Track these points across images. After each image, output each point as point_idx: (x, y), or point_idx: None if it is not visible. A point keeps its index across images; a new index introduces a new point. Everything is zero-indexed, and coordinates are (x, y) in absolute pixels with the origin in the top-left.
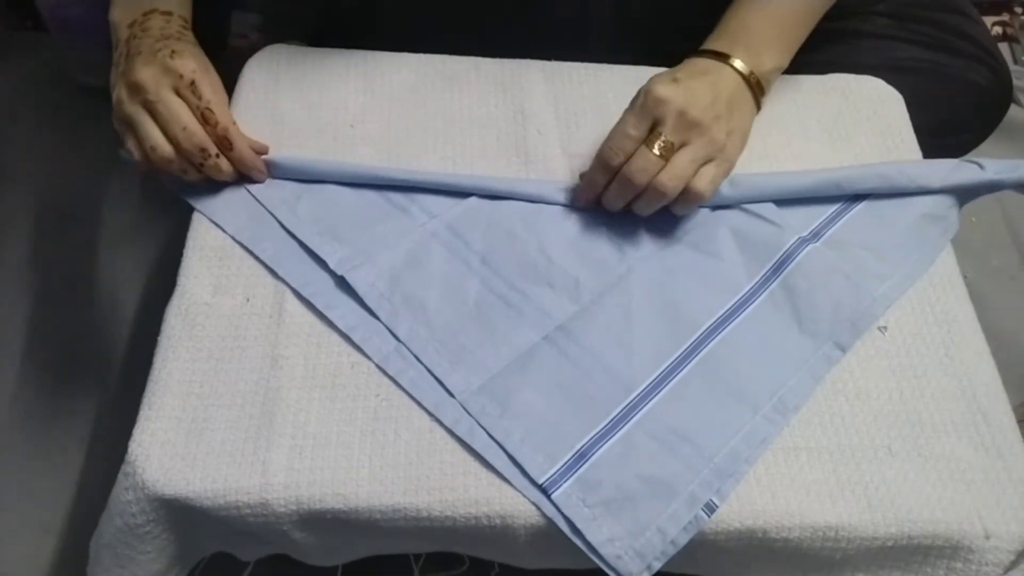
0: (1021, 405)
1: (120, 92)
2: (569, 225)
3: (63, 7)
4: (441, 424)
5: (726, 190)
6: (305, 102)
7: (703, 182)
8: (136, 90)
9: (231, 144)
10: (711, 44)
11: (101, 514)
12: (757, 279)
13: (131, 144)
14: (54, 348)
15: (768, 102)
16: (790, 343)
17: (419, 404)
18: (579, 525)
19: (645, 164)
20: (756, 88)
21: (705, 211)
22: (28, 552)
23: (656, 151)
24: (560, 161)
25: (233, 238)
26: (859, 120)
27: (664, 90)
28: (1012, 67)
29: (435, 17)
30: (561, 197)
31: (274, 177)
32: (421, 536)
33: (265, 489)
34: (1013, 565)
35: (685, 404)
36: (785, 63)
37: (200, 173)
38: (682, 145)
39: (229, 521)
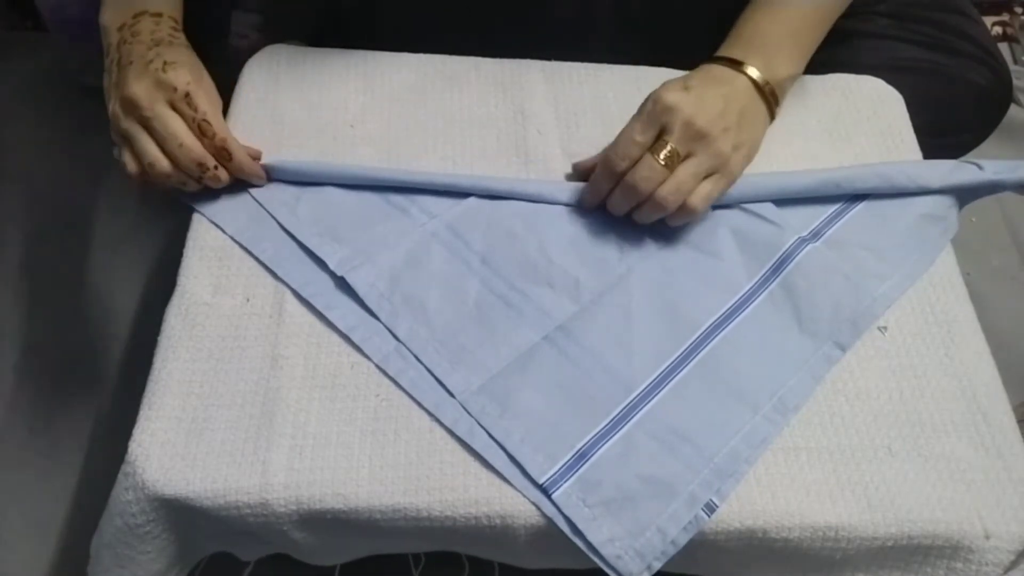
0: (1021, 405)
1: (115, 107)
2: (569, 225)
3: (63, 7)
4: (441, 424)
5: None
6: (305, 102)
7: (697, 198)
8: (131, 106)
9: (230, 155)
10: (725, 51)
11: (101, 514)
12: (757, 279)
13: (128, 158)
14: (54, 348)
15: None
16: (790, 343)
17: (419, 404)
18: (579, 525)
19: (649, 173)
20: (770, 97)
21: (705, 211)
22: (28, 552)
23: (661, 160)
24: (560, 161)
25: (233, 239)
26: (859, 120)
27: (673, 97)
28: (1012, 67)
29: (435, 17)
30: (562, 197)
31: (273, 180)
32: (421, 536)
33: (265, 489)
34: (1013, 565)
35: (685, 404)
36: (799, 70)
37: (199, 184)
38: (687, 155)
39: (229, 521)
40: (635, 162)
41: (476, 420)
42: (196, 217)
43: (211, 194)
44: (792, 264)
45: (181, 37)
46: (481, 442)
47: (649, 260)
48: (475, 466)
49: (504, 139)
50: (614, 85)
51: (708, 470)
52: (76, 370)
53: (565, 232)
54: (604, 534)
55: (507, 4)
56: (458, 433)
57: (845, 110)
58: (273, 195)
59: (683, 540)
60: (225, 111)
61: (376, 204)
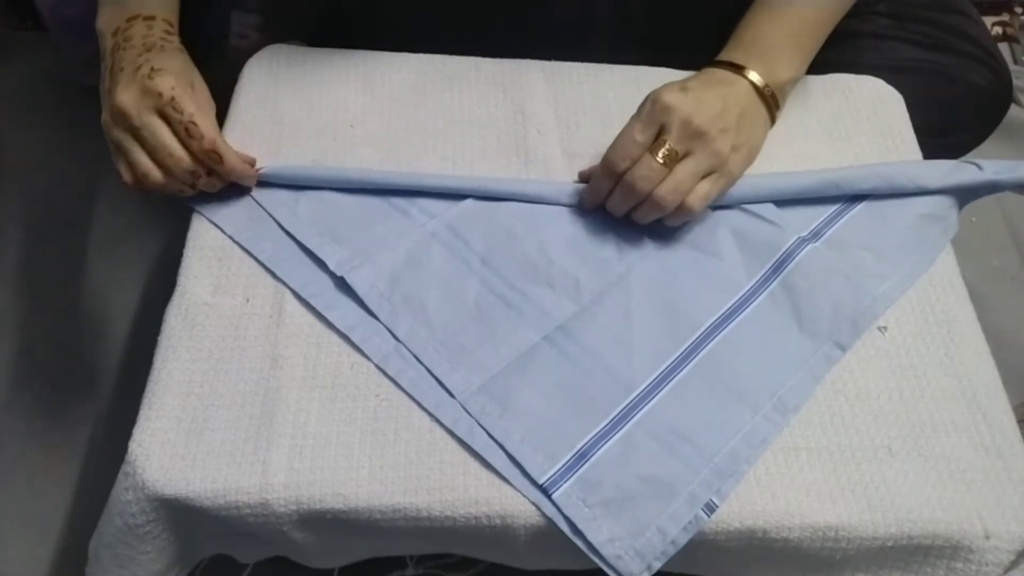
0: (1021, 405)
1: (106, 116)
2: (569, 225)
3: (63, 7)
4: (441, 424)
5: None
6: (305, 102)
7: (695, 198)
8: (120, 116)
9: (220, 157)
10: (726, 55)
11: (101, 514)
12: (757, 279)
13: (123, 168)
14: (54, 348)
15: None
16: (790, 343)
17: (419, 404)
18: (579, 525)
19: (648, 172)
20: (771, 101)
21: (705, 211)
22: (28, 552)
23: (659, 159)
24: (560, 161)
25: (232, 239)
26: (859, 120)
27: (671, 97)
28: (1012, 67)
29: (435, 17)
30: (562, 199)
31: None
32: (421, 536)
33: (265, 489)
34: (1013, 565)
35: (685, 404)
36: (801, 74)
37: (194, 190)
38: (686, 154)
39: (229, 521)
40: (634, 161)
41: (476, 420)
42: (196, 217)
43: (211, 194)
44: (792, 264)
45: (174, 40)
46: (481, 442)
47: (649, 260)
48: (475, 466)
49: (504, 139)
50: (614, 85)
51: (708, 470)
52: (76, 370)
53: (565, 232)
54: (604, 534)
55: (507, 4)
56: (458, 433)
57: (845, 110)
58: (273, 195)
59: (683, 540)
60: (225, 111)
61: (376, 204)
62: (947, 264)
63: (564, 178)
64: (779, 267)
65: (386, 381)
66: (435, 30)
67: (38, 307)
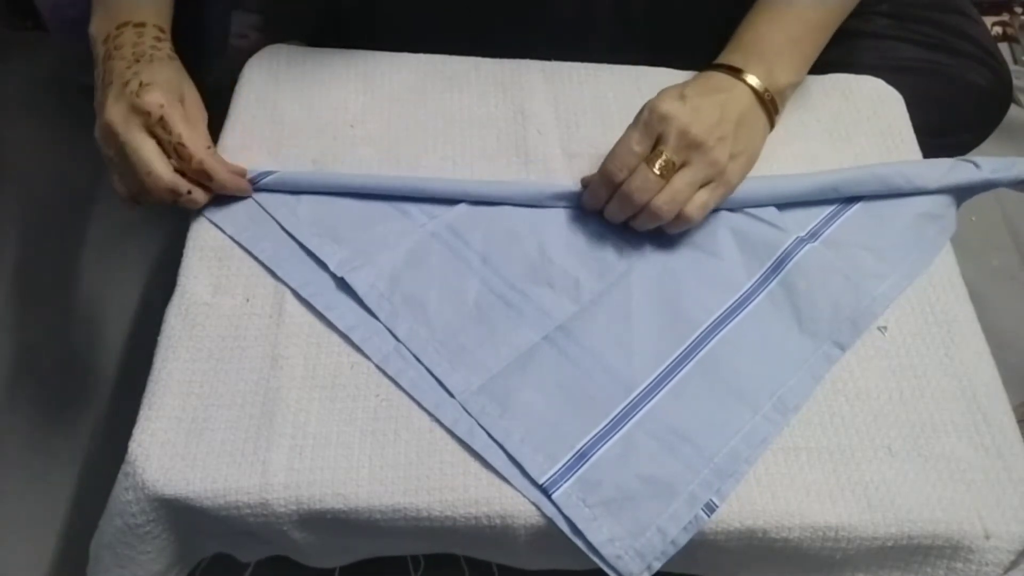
0: (1021, 405)
1: (97, 129)
2: (569, 225)
3: (63, 7)
4: (441, 424)
5: None
6: (305, 102)
7: (693, 207)
8: (109, 133)
9: (208, 175)
10: (725, 58)
11: (101, 514)
12: (756, 278)
13: (115, 182)
14: (54, 348)
15: None
16: (790, 342)
17: (419, 404)
18: (579, 525)
19: (644, 183)
20: (770, 105)
21: None
22: (28, 552)
23: (656, 170)
24: (560, 161)
25: (232, 239)
26: (859, 120)
27: (668, 106)
28: (1012, 67)
29: (435, 17)
30: (560, 203)
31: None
32: (421, 536)
33: (265, 489)
34: (1013, 565)
35: (685, 404)
36: (801, 78)
37: (177, 204)
38: (683, 165)
39: (229, 521)
40: (633, 170)
41: (476, 420)
42: (196, 217)
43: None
44: (791, 263)
45: (164, 48)
46: (481, 442)
47: (649, 260)
48: (475, 466)
49: (504, 139)
50: (614, 85)
51: (708, 470)
52: (76, 370)
53: (565, 232)
54: (604, 534)
55: (507, 4)
56: (458, 433)
57: (845, 110)
58: (273, 196)
59: (683, 540)
60: (225, 111)
61: (376, 205)
62: (947, 264)
63: (564, 178)
64: (778, 267)
65: (386, 381)
66: (435, 30)
67: (38, 307)
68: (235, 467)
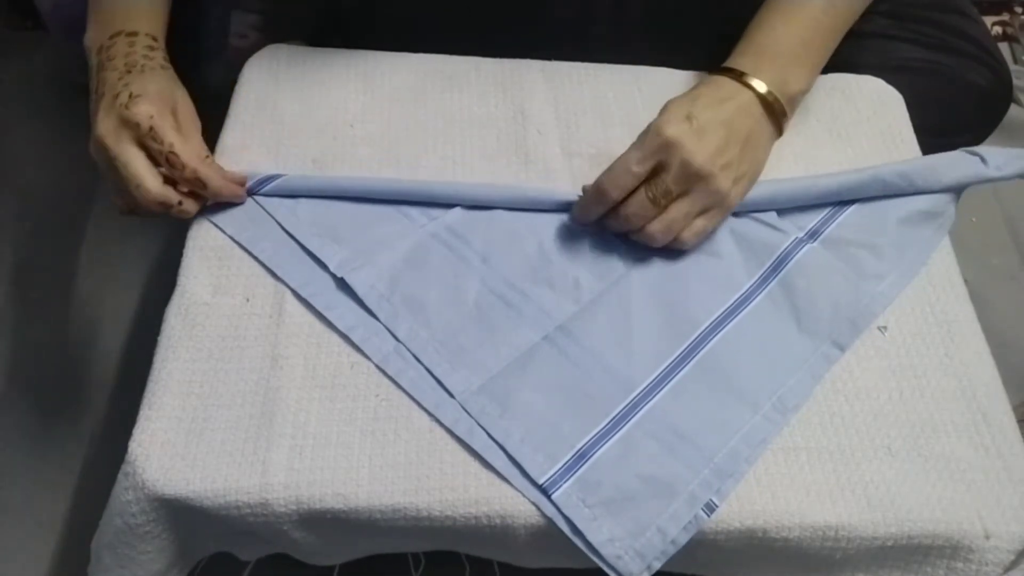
0: (1021, 405)
1: (91, 141)
2: (569, 225)
3: (63, 7)
4: (441, 424)
5: None
6: (305, 102)
7: (690, 233)
8: (100, 147)
9: (203, 184)
10: (737, 61)
11: (101, 514)
12: (756, 278)
13: (109, 189)
14: (54, 348)
15: None
16: (789, 342)
17: (419, 404)
18: (579, 525)
19: (640, 209)
20: (779, 115)
21: None
22: (28, 552)
23: (653, 197)
24: (560, 161)
25: (233, 239)
26: (859, 120)
27: (673, 131)
28: (1012, 67)
29: (435, 17)
30: (558, 208)
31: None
32: (421, 536)
33: (265, 489)
34: (1013, 565)
35: (685, 404)
36: (811, 85)
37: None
38: (682, 194)
39: (229, 521)
40: (628, 191)
41: (476, 420)
42: (196, 217)
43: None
44: (791, 263)
45: (157, 57)
46: (481, 442)
47: (648, 260)
48: (475, 466)
49: (504, 139)
50: (614, 85)
51: (708, 470)
52: (76, 370)
53: (565, 232)
54: (604, 534)
55: (507, 4)
56: (458, 433)
57: (845, 110)
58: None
59: (683, 540)
60: (225, 111)
61: (376, 205)
62: (947, 264)
63: (564, 177)
64: (778, 267)
65: (386, 381)
66: (435, 30)
67: (38, 307)
68: (235, 467)
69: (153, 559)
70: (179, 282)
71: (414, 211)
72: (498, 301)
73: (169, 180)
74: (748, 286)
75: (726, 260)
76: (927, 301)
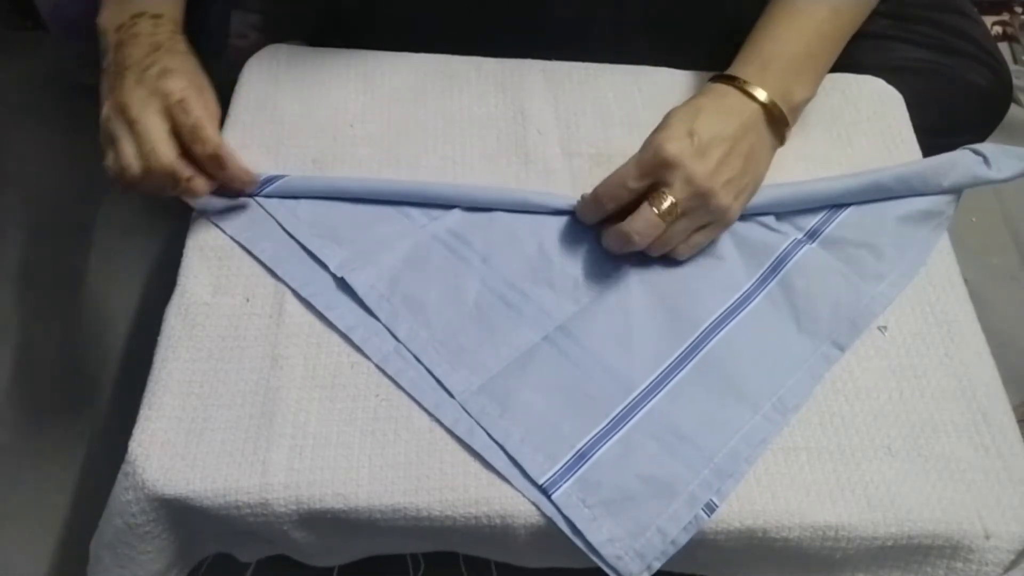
0: (1021, 405)
1: (108, 109)
2: (569, 225)
3: (63, 7)
4: (441, 424)
5: None
6: (305, 102)
7: (685, 247)
8: (121, 110)
9: (222, 163)
10: (742, 69)
11: (101, 514)
12: (756, 278)
13: (109, 158)
14: (54, 348)
15: None
16: (789, 342)
17: (419, 404)
18: (579, 525)
19: (646, 227)
20: (782, 124)
21: None
22: (28, 552)
23: (658, 211)
24: (560, 161)
25: (233, 238)
26: (859, 120)
27: (675, 149)
28: (1012, 67)
29: (435, 17)
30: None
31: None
32: (421, 536)
33: (265, 489)
34: (1013, 565)
35: (685, 404)
36: (814, 94)
37: (174, 192)
38: (684, 212)
39: (229, 521)
40: (622, 203)
41: (476, 420)
42: (196, 217)
43: (211, 194)
44: (790, 263)
45: (181, 41)
46: (481, 442)
47: (648, 261)
48: (475, 466)
49: (504, 139)
50: (614, 85)
51: (708, 470)
52: (76, 370)
53: (565, 232)
54: (604, 534)
55: (507, 4)
56: (458, 433)
57: (845, 110)
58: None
59: (683, 540)
60: (225, 111)
61: (376, 206)
62: (947, 264)
63: (564, 178)
64: (777, 266)
65: (386, 381)
66: (435, 30)
67: (38, 307)
68: (235, 467)
69: (153, 559)
70: (179, 282)
71: (415, 211)
72: (498, 301)
73: (182, 158)
74: (748, 287)
75: (726, 261)
76: (927, 301)
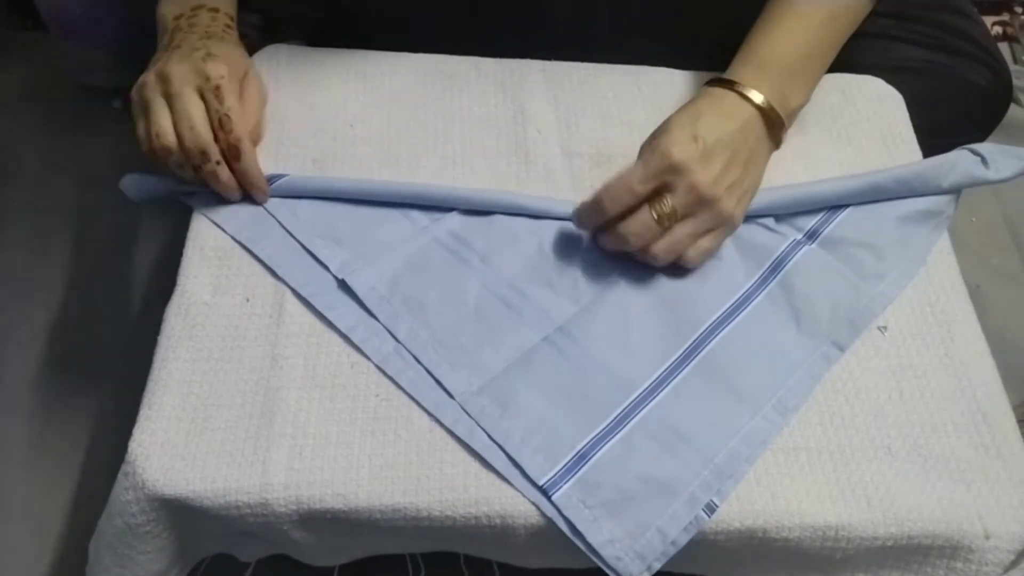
0: (1021, 405)
1: (147, 76)
2: (569, 226)
3: (63, 7)
4: (441, 424)
5: None
6: (305, 102)
7: (696, 252)
8: (162, 79)
9: (240, 154)
10: (738, 73)
11: (101, 514)
12: (755, 279)
13: (140, 127)
14: (54, 348)
15: None
16: (789, 343)
17: (419, 404)
18: (579, 526)
19: (643, 229)
20: (778, 127)
21: None
22: (28, 552)
23: (657, 216)
24: (560, 161)
25: (233, 238)
26: (859, 120)
27: (681, 153)
28: (1012, 67)
29: (435, 17)
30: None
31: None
32: (421, 536)
33: (265, 489)
34: (1013, 565)
35: (685, 405)
36: (809, 98)
37: (196, 174)
38: (687, 216)
39: (229, 521)
40: (626, 208)
41: (476, 421)
42: (196, 217)
43: (212, 193)
44: (790, 264)
45: (234, 35)
46: (481, 443)
47: None
48: (475, 466)
49: (504, 139)
50: (614, 85)
51: (708, 471)
52: (76, 370)
53: (565, 233)
54: (604, 535)
55: (507, 4)
56: (458, 434)
57: (845, 110)
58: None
59: (683, 541)
60: None
61: (377, 206)
62: (947, 264)
63: (564, 178)
64: (777, 268)
65: (386, 381)
66: (435, 30)
67: (37, 307)
68: (235, 467)
69: (153, 559)
70: (179, 282)
71: (415, 212)
72: (498, 302)
73: None
74: (747, 287)
75: (725, 262)
76: (927, 301)
